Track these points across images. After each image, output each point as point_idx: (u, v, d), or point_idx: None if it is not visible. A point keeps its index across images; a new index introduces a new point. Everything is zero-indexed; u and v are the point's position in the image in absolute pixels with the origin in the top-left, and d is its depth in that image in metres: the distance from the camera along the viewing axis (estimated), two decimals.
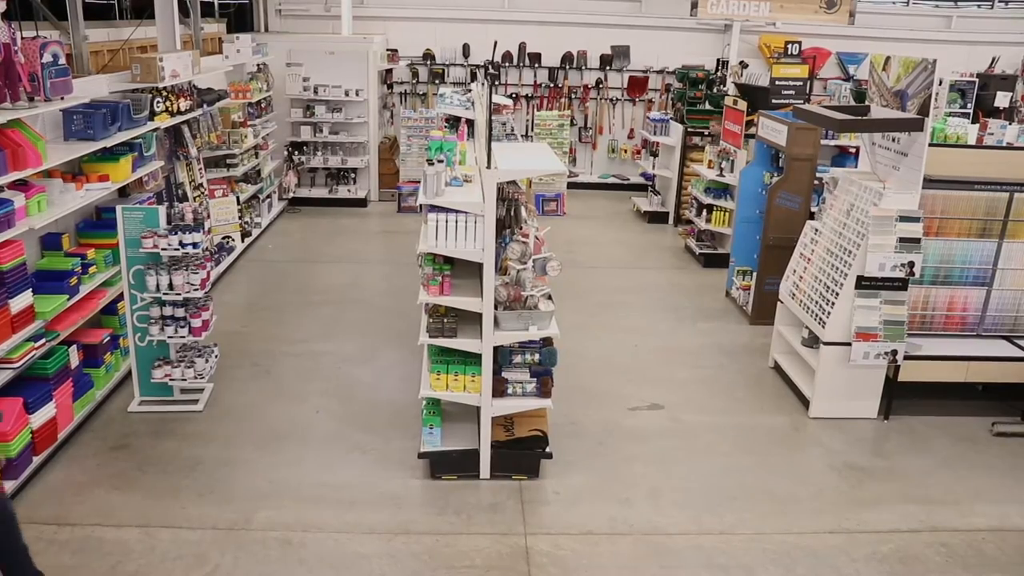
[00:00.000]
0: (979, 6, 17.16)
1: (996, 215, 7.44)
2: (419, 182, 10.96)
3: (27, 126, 6.28)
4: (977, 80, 13.64)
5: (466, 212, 5.75)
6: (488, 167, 5.71)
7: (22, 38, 6.30)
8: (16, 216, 5.98)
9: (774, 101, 11.66)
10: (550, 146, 12.88)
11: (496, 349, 6.05)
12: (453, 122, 8.66)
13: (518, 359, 6.21)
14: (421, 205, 5.98)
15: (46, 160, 6.34)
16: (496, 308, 5.90)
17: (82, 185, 7.06)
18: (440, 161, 5.99)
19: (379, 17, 16.17)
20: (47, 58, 6.50)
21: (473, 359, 6.11)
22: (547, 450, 6.41)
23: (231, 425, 7.08)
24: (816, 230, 8.03)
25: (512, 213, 6.47)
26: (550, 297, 6.11)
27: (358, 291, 10.31)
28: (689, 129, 13.50)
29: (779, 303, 8.41)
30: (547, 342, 6.28)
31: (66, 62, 6.92)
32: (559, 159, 6.77)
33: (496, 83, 15.05)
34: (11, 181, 5.99)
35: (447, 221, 5.77)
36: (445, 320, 6.06)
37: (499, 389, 6.13)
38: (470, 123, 8.25)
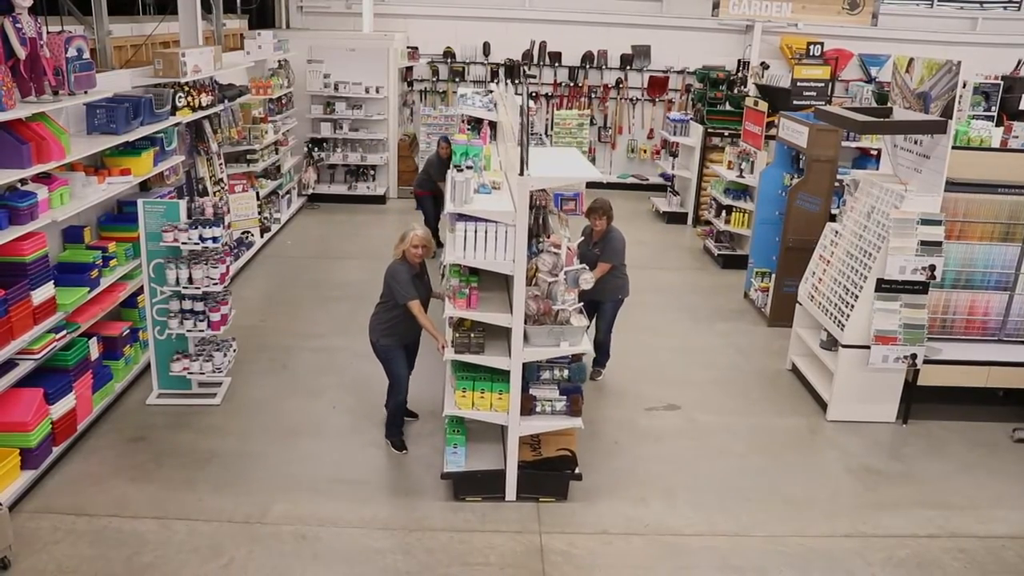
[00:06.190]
0: (1005, 8, 16.97)
1: (1019, 219, 7.35)
2: None
3: (51, 119, 6.34)
4: (1002, 83, 13.45)
5: (496, 221, 5.46)
6: (521, 174, 5.42)
7: (47, 32, 6.36)
8: (39, 208, 6.04)
9: (795, 102, 11.60)
10: (568, 145, 12.77)
11: (523, 365, 5.74)
12: (474, 123, 8.60)
13: (546, 375, 5.92)
14: (448, 213, 5.70)
15: (69, 153, 6.39)
16: (525, 322, 5.59)
17: (104, 178, 7.12)
18: (468, 167, 5.71)
19: (400, 15, 16.20)
20: (72, 52, 6.56)
21: (500, 375, 5.79)
22: (576, 471, 6.10)
23: (248, 419, 7.12)
24: (836, 232, 7.97)
25: (540, 221, 6.10)
26: (582, 311, 5.83)
27: (375, 287, 10.19)
28: (709, 130, 13.44)
29: (797, 305, 8.36)
30: (576, 357, 5.97)
31: (90, 56, 6.98)
32: (591, 165, 6.42)
33: (518, 81, 15.04)
34: (35, 174, 6.05)
35: (476, 231, 5.47)
36: (472, 335, 5.72)
37: (526, 407, 5.80)
38: (492, 124, 8.15)
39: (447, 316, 5.89)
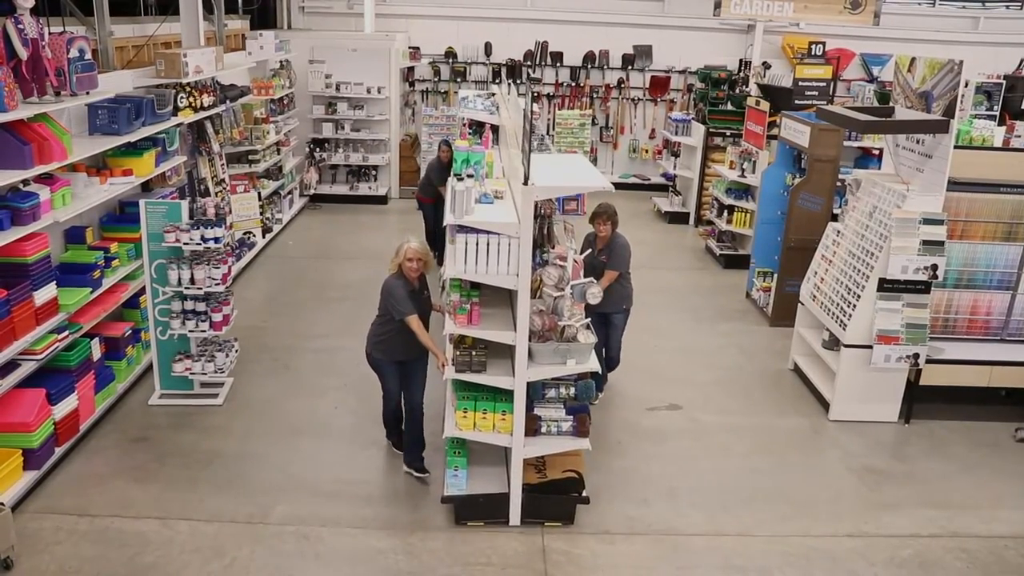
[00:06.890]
0: (1007, 7, 16.96)
1: (1022, 218, 7.34)
2: None
3: (53, 120, 6.34)
4: (1004, 82, 13.44)
5: (498, 233, 5.18)
6: (525, 183, 5.10)
7: (49, 33, 6.36)
8: (41, 209, 6.05)
9: (797, 102, 11.58)
10: (570, 145, 12.68)
11: (527, 383, 5.45)
12: (476, 127, 8.50)
13: (551, 393, 5.62)
14: (448, 224, 5.43)
15: (71, 154, 6.40)
16: (530, 339, 5.28)
17: (106, 179, 7.14)
18: (469, 176, 5.47)
19: (401, 15, 16.21)
20: (73, 53, 6.57)
21: (503, 394, 5.52)
22: (583, 494, 5.85)
23: (250, 419, 7.12)
24: (838, 232, 7.97)
25: (544, 231, 5.81)
26: (589, 327, 5.52)
27: (377, 287, 10.20)
28: (711, 129, 13.43)
29: (799, 305, 8.35)
30: (583, 374, 5.66)
31: (92, 57, 6.98)
32: (599, 173, 6.01)
33: (519, 81, 15.05)
34: (37, 175, 6.05)
35: (477, 243, 5.18)
36: (473, 353, 5.43)
37: (531, 428, 5.51)
38: (494, 128, 8.02)
39: (447, 333, 5.65)
